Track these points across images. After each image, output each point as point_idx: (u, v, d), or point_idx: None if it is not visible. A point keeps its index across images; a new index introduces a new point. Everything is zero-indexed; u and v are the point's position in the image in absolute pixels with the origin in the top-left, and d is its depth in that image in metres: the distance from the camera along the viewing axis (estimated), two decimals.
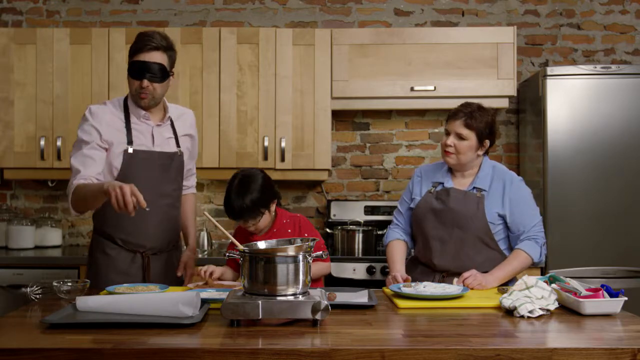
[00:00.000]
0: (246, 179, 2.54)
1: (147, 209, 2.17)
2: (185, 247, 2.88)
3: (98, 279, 2.54)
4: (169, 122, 2.67)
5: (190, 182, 2.88)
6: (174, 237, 2.71)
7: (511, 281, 2.57)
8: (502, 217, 2.55)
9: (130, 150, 2.52)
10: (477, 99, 3.66)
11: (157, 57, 2.50)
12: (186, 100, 3.70)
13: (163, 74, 2.53)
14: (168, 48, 2.55)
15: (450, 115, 2.61)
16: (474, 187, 2.57)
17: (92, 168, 2.44)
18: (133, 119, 2.58)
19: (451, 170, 2.65)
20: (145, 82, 2.49)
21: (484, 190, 2.55)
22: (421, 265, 2.61)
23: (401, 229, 2.74)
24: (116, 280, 2.50)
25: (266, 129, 3.71)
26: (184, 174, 2.76)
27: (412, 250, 2.76)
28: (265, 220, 2.58)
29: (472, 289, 2.39)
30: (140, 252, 2.59)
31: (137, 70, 2.49)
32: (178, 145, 2.68)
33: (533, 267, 2.65)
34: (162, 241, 2.64)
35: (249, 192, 2.50)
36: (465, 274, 2.43)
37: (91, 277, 2.57)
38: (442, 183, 2.63)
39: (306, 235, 2.61)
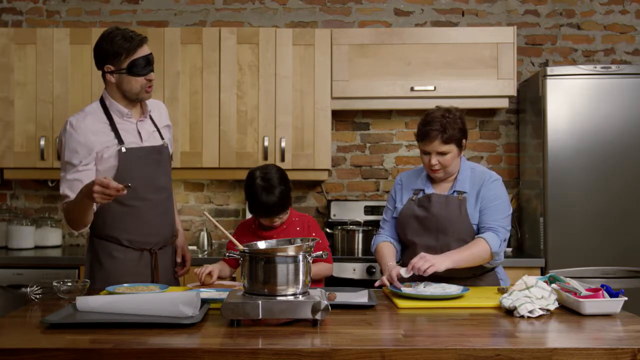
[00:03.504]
0: (268, 175, 2.58)
1: (130, 185, 2.19)
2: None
3: (108, 284, 2.45)
4: (148, 116, 2.65)
5: None
6: (174, 228, 2.73)
7: (488, 275, 2.56)
8: None
9: (124, 149, 2.49)
10: (477, 99, 3.74)
11: (148, 49, 2.53)
12: (186, 101, 3.70)
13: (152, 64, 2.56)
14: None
15: (422, 135, 2.52)
16: (454, 191, 2.56)
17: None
18: (116, 119, 2.55)
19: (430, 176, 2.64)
20: (152, 75, 2.52)
21: (465, 192, 2.55)
22: None
23: (388, 235, 2.72)
24: (128, 282, 2.45)
25: (266, 129, 3.71)
26: None
27: (401, 257, 2.71)
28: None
29: (424, 271, 2.29)
30: (148, 249, 2.57)
31: (143, 66, 2.49)
32: (162, 137, 2.67)
33: (493, 263, 2.56)
34: (166, 234, 2.65)
35: (275, 186, 2.54)
36: (414, 260, 2.33)
37: (99, 282, 2.52)
38: (423, 190, 2.61)
39: (314, 235, 2.62)
